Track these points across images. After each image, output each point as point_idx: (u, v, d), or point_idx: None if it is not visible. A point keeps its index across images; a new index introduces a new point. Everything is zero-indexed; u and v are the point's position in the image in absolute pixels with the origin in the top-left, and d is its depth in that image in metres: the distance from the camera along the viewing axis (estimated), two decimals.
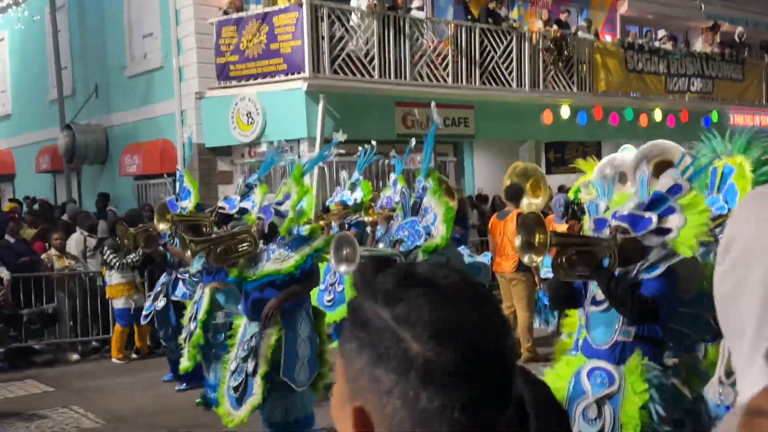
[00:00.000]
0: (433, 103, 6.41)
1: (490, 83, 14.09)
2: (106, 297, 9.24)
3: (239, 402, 5.27)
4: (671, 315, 3.84)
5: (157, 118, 13.68)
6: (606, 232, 3.94)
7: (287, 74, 11.98)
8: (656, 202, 3.88)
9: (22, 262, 9.20)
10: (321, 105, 11.74)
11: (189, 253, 5.58)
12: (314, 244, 5.37)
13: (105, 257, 8.98)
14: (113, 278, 8.96)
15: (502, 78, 14.21)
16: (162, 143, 13.31)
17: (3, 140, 20.30)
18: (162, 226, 6.92)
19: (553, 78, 15.00)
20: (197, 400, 6.90)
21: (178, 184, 7.47)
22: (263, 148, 11.79)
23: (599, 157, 9.50)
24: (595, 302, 3.86)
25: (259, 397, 5.15)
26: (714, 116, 17.60)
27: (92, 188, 15.74)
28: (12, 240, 9.61)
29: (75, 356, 9.36)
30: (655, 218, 3.80)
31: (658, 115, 16.41)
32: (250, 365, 5.21)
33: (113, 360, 9.01)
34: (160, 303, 7.40)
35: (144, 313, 7.79)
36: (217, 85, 12.68)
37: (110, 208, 13.24)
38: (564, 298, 4.15)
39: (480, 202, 14.06)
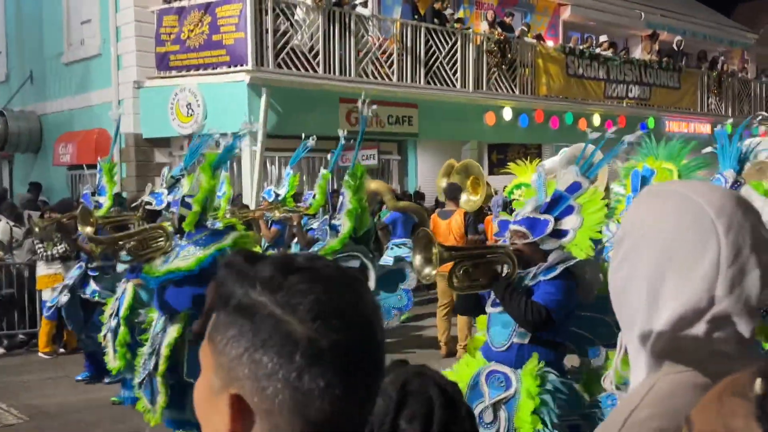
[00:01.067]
0: (363, 95, 6.25)
1: (435, 83, 14.17)
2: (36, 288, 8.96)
3: (152, 399, 5.16)
4: (570, 318, 3.78)
5: (94, 106, 13.31)
6: (508, 235, 3.91)
7: (230, 66, 11.80)
8: (555, 202, 3.83)
9: None
10: (264, 99, 11.61)
11: (96, 251, 5.41)
12: (220, 243, 5.14)
13: (35, 248, 8.70)
14: (41, 269, 8.69)
15: (446, 78, 14.31)
16: (98, 133, 12.95)
17: None
18: (88, 230, 6.58)
19: (496, 80, 15.18)
20: (112, 398, 6.74)
21: (98, 176, 7.20)
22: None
23: (540, 158, 9.64)
24: (494, 303, 3.83)
25: (164, 398, 4.99)
26: (650, 122, 18.07)
27: (24, 177, 15.24)
28: None
29: (0, 350, 9.04)
30: (551, 221, 3.75)
31: (596, 119, 16.77)
32: (152, 362, 5.09)
33: (40, 354, 8.73)
34: (64, 298, 7.14)
35: (48, 305, 7.58)
36: (157, 75, 12.41)
37: (42, 198, 12.83)
38: (469, 306, 4.12)
39: (418, 200, 14.08)
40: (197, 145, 6.43)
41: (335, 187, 13.75)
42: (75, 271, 7.30)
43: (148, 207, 6.38)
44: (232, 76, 11.72)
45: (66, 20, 14.17)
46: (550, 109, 16.07)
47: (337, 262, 0.92)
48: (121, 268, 6.12)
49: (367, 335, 0.85)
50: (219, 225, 8.20)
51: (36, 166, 15.20)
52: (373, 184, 9.22)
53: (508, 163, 5.20)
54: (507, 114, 15.25)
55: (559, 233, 3.75)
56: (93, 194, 7.15)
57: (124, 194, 6.82)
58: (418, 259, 3.69)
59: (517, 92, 15.53)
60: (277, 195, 8.39)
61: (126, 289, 6.17)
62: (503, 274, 3.74)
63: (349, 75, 12.89)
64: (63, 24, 14.21)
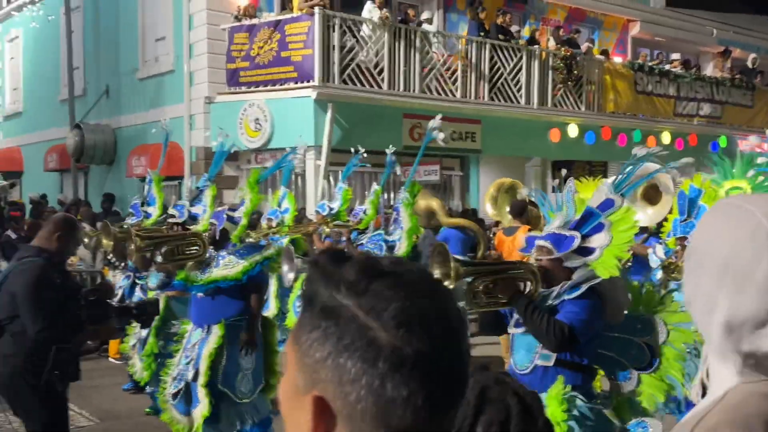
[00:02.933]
0: (438, 117, 6.18)
1: (499, 99, 14.12)
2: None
3: (186, 410, 5.16)
4: (597, 339, 3.65)
5: (166, 121, 13.73)
6: (534, 251, 3.79)
7: (297, 82, 12.04)
8: (585, 219, 3.70)
9: None
10: (329, 114, 11.79)
11: (133, 247, 5.27)
12: (265, 253, 5.22)
13: (108, 257, 9.00)
14: (115, 279, 8.98)
15: (511, 94, 14.24)
16: (170, 146, 13.34)
17: (13, 138, 20.43)
18: (105, 242, 6.51)
19: (562, 96, 15.03)
20: (146, 409, 6.75)
21: (146, 188, 7.17)
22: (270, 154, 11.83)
23: (606, 176, 9.51)
24: (518, 324, 3.70)
25: (207, 407, 5.00)
26: (722, 141, 17.59)
27: (99, 188, 15.80)
28: (14, 236, 9.64)
29: None
30: (578, 238, 3.63)
31: (666, 137, 16.40)
32: (191, 372, 5.11)
33: (110, 359, 9.01)
34: None
35: None
36: (227, 91, 12.74)
37: (115, 209, 13.28)
38: (491, 324, 4.01)
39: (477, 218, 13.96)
40: (217, 158, 6.45)
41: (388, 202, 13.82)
42: (123, 281, 7.30)
43: (171, 220, 6.23)
44: (299, 91, 11.96)
45: (141, 37, 14.71)
46: (618, 126, 15.80)
47: (422, 267, 0.90)
48: (154, 280, 5.96)
49: (451, 344, 0.83)
50: (285, 241, 8.31)
51: (110, 178, 15.75)
52: (424, 202, 9.18)
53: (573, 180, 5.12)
54: (572, 131, 15.07)
55: (585, 251, 3.63)
56: (142, 204, 7.15)
57: (172, 210, 6.69)
58: (435, 274, 3.45)
59: (583, 109, 15.33)
60: (331, 209, 8.33)
61: (158, 300, 6.00)
62: (526, 291, 3.63)
63: (414, 91, 12.98)
64: (138, 41, 14.75)
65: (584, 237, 3.63)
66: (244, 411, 5.20)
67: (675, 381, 3.71)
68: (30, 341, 4.15)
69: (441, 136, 5.91)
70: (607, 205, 3.69)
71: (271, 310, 8.10)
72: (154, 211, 7.05)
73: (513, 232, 8.80)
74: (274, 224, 8.18)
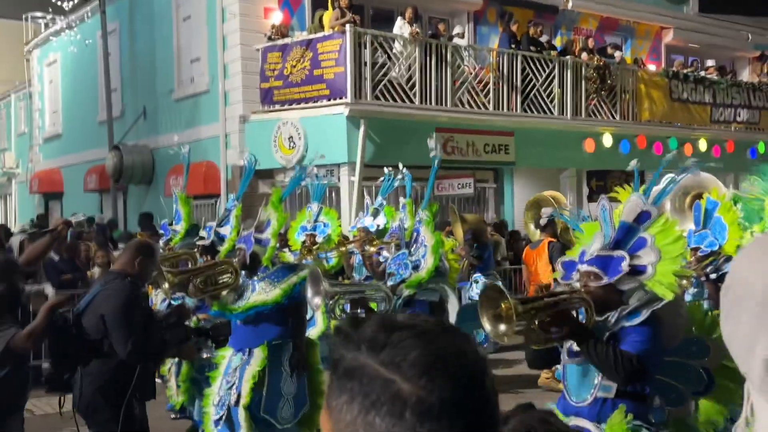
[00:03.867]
0: (432, 136, 6.01)
1: (531, 110, 14.07)
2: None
3: None
4: (656, 366, 3.49)
5: (202, 140, 13.96)
6: (575, 277, 3.58)
7: (329, 99, 12.14)
8: (624, 236, 3.50)
9: (64, 280, 9.40)
10: (362, 130, 11.86)
11: (166, 285, 5.31)
12: (301, 274, 5.15)
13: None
14: (158, 297, 9.10)
15: (544, 105, 14.18)
16: (206, 165, 13.56)
17: (53, 159, 20.90)
18: (166, 286, 6.61)
19: (596, 106, 14.92)
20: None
21: (174, 206, 7.18)
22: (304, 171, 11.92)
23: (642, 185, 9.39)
24: (571, 353, 3.50)
25: (248, 430, 4.98)
26: (761, 147, 17.27)
27: (137, 207, 16.07)
28: (56, 258, 9.85)
29: None
30: (626, 258, 3.41)
31: (702, 145, 16.17)
32: (233, 397, 5.08)
33: (157, 380, 9.11)
34: None
35: None
36: (261, 109, 12.90)
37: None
38: (542, 359, 3.86)
39: (508, 234, 13.86)
40: (298, 177, 6.50)
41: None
42: (161, 305, 7.14)
43: (200, 242, 6.30)
44: (331, 108, 12.05)
45: (177, 59, 14.98)
46: (653, 134, 15.62)
47: (438, 319, 0.92)
48: (189, 301, 5.94)
49: (475, 386, 0.84)
50: (333, 256, 8.28)
51: (148, 198, 16.01)
52: (470, 218, 9.19)
53: (611, 190, 5.02)
54: (607, 140, 14.93)
55: (635, 270, 3.41)
56: (170, 224, 7.15)
57: (201, 232, 6.64)
58: (488, 318, 3.22)
59: (617, 118, 15.20)
60: (378, 226, 8.28)
61: (230, 322, 6.09)
62: (581, 321, 3.43)
63: (446, 105, 13.00)
64: (174, 62, 15.02)
65: (630, 255, 3.44)
66: None
67: (734, 405, 3.60)
68: (115, 362, 4.29)
69: (433, 146, 5.84)
70: (643, 218, 3.50)
71: (318, 327, 8.10)
72: (180, 227, 7.07)
73: (537, 246, 8.77)
74: (318, 240, 8.20)
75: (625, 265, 3.39)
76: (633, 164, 3.93)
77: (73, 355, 4.32)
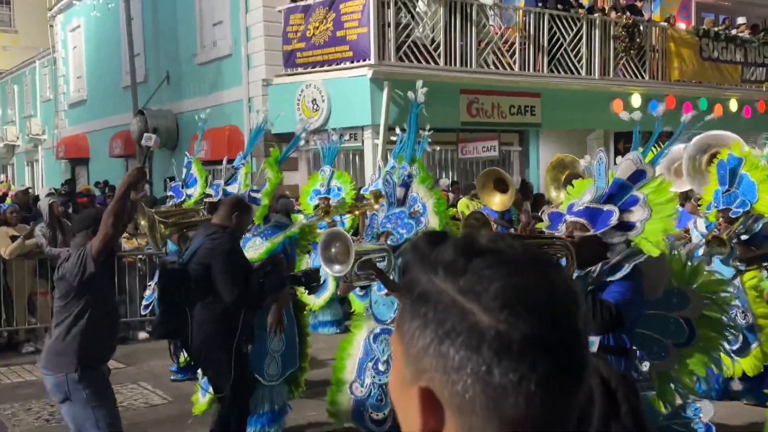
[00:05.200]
0: (418, 83, 5.60)
1: (558, 71, 13.84)
2: None
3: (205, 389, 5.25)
4: (638, 319, 3.48)
5: (225, 104, 13.93)
6: (562, 229, 3.55)
7: (353, 61, 12.02)
8: (617, 192, 3.48)
9: None
10: (385, 92, 11.75)
11: (158, 235, 5.43)
12: (288, 232, 5.23)
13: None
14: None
15: (571, 65, 13.93)
16: (229, 129, 13.56)
17: (78, 125, 21.04)
18: (143, 223, 6.40)
19: (624, 66, 14.64)
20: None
21: (185, 170, 7.15)
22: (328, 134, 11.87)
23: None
24: None
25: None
26: None
27: (162, 173, 16.16)
28: None
29: (143, 335, 9.64)
30: (616, 212, 3.40)
31: (733, 105, 15.83)
32: None
33: None
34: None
35: (144, 303, 7.50)
36: (284, 72, 12.81)
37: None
38: None
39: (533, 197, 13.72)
40: (252, 137, 6.44)
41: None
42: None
43: (207, 200, 6.30)
44: (355, 71, 11.93)
45: (199, 23, 14.90)
46: (683, 94, 15.30)
47: (526, 243, 0.84)
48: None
49: (562, 325, 0.77)
50: (347, 219, 8.23)
51: (173, 162, 16.07)
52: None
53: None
54: (636, 101, 14.66)
55: (624, 226, 3.41)
56: (183, 186, 7.09)
57: (209, 190, 6.53)
58: None
59: (646, 78, 14.90)
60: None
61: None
62: None
63: (470, 66, 12.81)
64: (196, 26, 14.95)
65: (621, 211, 3.43)
66: (269, 394, 5.25)
67: (714, 353, 3.63)
68: (221, 308, 4.52)
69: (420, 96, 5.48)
70: (638, 176, 3.50)
71: (329, 290, 8.11)
72: (195, 191, 7.02)
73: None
74: (332, 203, 8.17)
75: (614, 219, 3.38)
76: (685, 118, 3.84)
77: (180, 302, 4.55)
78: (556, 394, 0.77)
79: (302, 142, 6.14)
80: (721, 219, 5.58)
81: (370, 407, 4.17)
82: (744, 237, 5.45)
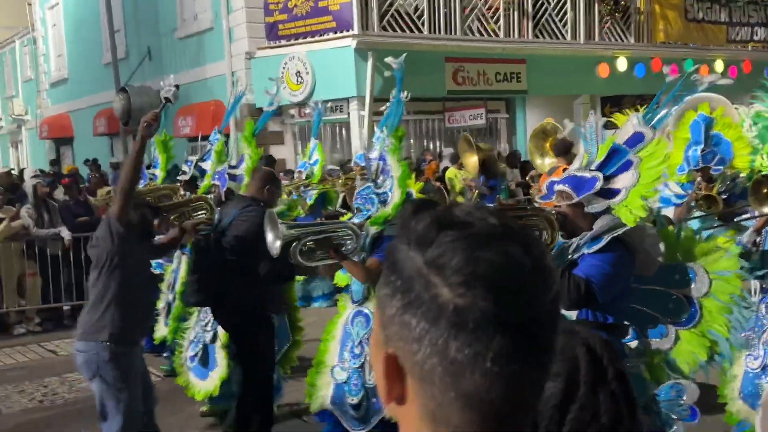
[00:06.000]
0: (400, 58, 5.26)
1: (543, 36, 13.76)
2: None
3: (203, 373, 5.18)
4: (627, 295, 3.29)
5: (209, 79, 13.78)
6: (555, 198, 3.41)
7: (336, 32, 11.89)
8: (610, 158, 3.32)
9: (79, 222, 9.42)
10: (370, 63, 11.64)
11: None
12: (277, 209, 5.14)
13: None
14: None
15: (556, 30, 13.85)
16: (214, 104, 13.43)
17: (61, 104, 20.79)
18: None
19: (609, 29, 14.56)
20: (162, 366, 6.75)
21: (152, 149, 6.89)
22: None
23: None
24: None
25: (225, 370, 5.05)
26: None
27: (149, 150, 16.01)
28: (71, 201, 9.87)
29: None
30: (599, 179, 3.25)
31: (719, 66, 15.77)
32: (209, 335, 5.14)
33: None
34: None
35: None
36: (267, 45, 12.67)
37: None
38: None
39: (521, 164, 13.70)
40: (229, 111, 6.36)
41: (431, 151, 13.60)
42: None
43: (181, 177, 6.24)
44: (338, 41, 11.81)
45: None
46: (669, 56, 15.21)
47: (504, 216, 0.81)
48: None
49: (526, 301, 0.76)
50: (313, 193, 8.16)
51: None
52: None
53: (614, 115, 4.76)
54: (621, 64, 14.61)
55: (608, 193, 3.25)
56: (148, 167, 6.89)
57: (183, 167, 6.46)
58: None
59: (632, 41, 14.84)
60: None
61: (181, 263, 5.97)
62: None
63: (455, 33, 12.71)
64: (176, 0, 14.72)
65: (609, 178, 3.29)
66: None
67: (719, 336, 3.41)
68: (253, 279, 4.63)
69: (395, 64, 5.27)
70: (636, 139, 3.33)
71: None
72: (159, 173, 6.89)
73: (554, 172, 8.63)
74: (303, 177, 8.10)
75: (597, 185, 3.25)
76: (669, 80, 3.73)
77: (214, 273, 4.64)
78: (514, 373, 0.76)
79: (292, 115, 6.00)
80: (699, 178, 5.54)
81: (347, 392, 4.09)
82: (723, 197, 5.44)
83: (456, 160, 11.05)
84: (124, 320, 4.01)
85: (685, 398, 3.29)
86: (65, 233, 9.09)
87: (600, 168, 3.32)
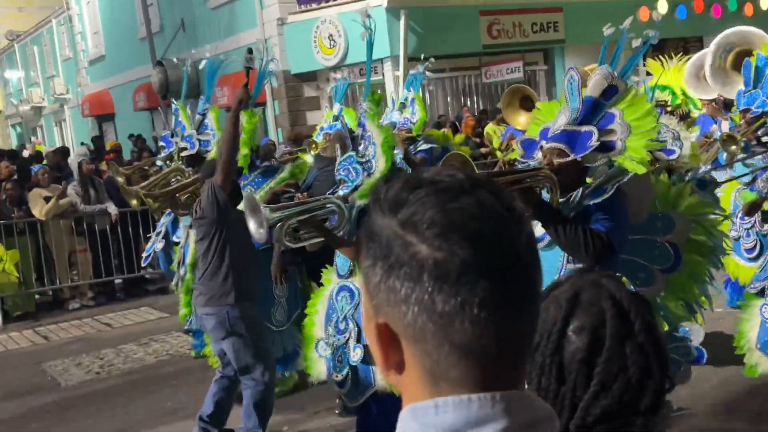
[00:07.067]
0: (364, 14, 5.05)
1: None
2: None
3: None
4: (623, 244, 3.26)
5: (242, 47, 13.75)
6: (538, 156, 3.33)
7: None
8: (590, 111, 3.24)
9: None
10: (402, 21, 11.49)
11: (154, 206, 5.41)
12: (279, 176, 5.11)
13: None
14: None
15: None
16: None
17: (101, 81, 21.06)
18: (133, 203, 6.27)
19: None
20: (192, 352, 6.59)
21: (173, 118, 6.59)
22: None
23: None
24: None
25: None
26: None
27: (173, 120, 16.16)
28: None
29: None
30: (595, 132, 3.18)
31: (764, 3, 15.17)
32: None
33: None
34: (159, 244, 6.85)
35: (144, 254, 7.34)
36: (298, 10, 12.58)
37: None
38: None
39: None
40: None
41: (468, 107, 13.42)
42: (165, 218, 6.85)
43: (184, 154, 6.06)
44: (370, 1, 11.65)
45: None
46: None
47: (469, 172, 0.82)
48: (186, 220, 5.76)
49: (501, 244, 0.78)
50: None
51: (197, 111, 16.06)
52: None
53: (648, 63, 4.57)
54: (662, 6, 14.12)
55: (604, 146, 3.19)
56: (172, 135, 6.70)
57: (180, 143, 6.21)
58: None
59: None
60: (409, 121, 7.02)
61: (189, 236, 5.77)
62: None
63: None
64: None
65: (599, 131, 3.23)
66: (279, 339, 5.28)
67: (699, 278, 3.49)
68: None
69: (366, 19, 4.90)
70: (611, 93, 3.27)
71: None
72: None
73: None
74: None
75: (594, 140, 3.17)
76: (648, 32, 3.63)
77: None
78: (503, 315, 0.78)
79: (328, 82, 5.82)
80: (742, 120, 5.39)
81: (332, 368, 3.99)
82: (765, 139, 5.25)
83: (495, 115, 10.89)
84: (243, 280, 4.29)
85: (691, 340, 3.34)
86: (112, 208, 9.26)
87: (584, 122, 3.24)
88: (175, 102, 6.63)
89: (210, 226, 4.24)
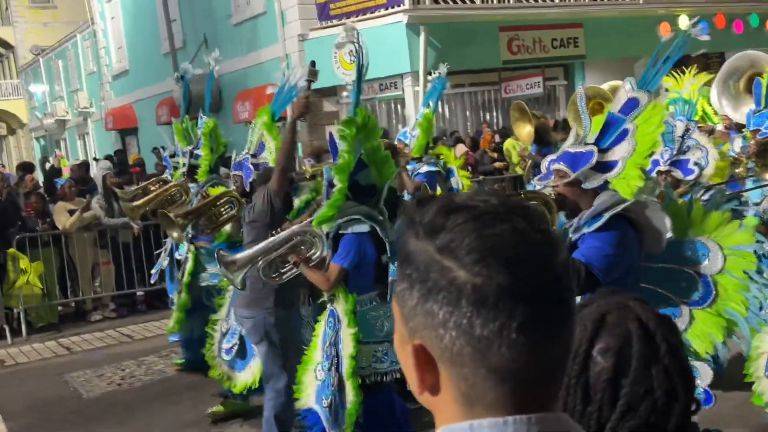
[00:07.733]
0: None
1: None
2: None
3: (241, 365, 5.08)
4: (633, 274, 3.10)
5: (264, 63, 13.92)
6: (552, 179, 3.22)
7: (387, 8, 11.83)
8: (607, 129, 3.14)
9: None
10: (422, 37, 11.56)
11: (175, 234, 5.43)
12: (302, 197, 4.95)
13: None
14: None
15: None
16: (270, 88, 13.56)
17: (124, 96, 21.33)
18: (175, 236, 5.97)
19: None
20: (176, 361, 6.71)
21: (198, 132, 6.59)
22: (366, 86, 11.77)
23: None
24: None
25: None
26: None
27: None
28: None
29: None
30: (594, 152, 3.08)
31: None
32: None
33: None
34: (165, 262, 6.88)
35: (152, 271, 7.33)
36: (319, 26, 12.70)
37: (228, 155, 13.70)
38: None
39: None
40: (286, 94, 5.95)
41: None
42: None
43: (182, 169, 6.22)
44: (390, 17, 11.75)
45: None
46: (733, 12, 14.67)
47: (503, 196, 0.84)
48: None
49: (537, 268, 0.79)
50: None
51: (219, 126, 16.22)
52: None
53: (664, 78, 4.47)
54: (683, 22, 14.03)
55: (605, 166, 3.07)
56: (172, 156, 6.78)
57: (179, 158, 6.45)
58: None
59: None
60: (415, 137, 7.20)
61: (188, 255, 5.95)
62: None
63: (508, 1, 12.49)
64: None
65: (605, 150, 3.11)
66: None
67: (736, 315, 3.22)
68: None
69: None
70: (631, 106, 3.14)
71: None
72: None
73: None
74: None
75: (592, 160, 3.08)
76: (664, 40, 3.44)
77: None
78: (539, 339, 0.80)
79: (345, 94, 5.84)
80: (751, 140, 5.39)
81: (323, 393, 3.89)
82: None
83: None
84: (283, 287, 4.31)
85: (698, 381, 3.09)
86: (135, 222, 9.35)
87: (596, 141, 3.16)
88: (202, 117, 6.65)
89: (261, 231, 4.32)
